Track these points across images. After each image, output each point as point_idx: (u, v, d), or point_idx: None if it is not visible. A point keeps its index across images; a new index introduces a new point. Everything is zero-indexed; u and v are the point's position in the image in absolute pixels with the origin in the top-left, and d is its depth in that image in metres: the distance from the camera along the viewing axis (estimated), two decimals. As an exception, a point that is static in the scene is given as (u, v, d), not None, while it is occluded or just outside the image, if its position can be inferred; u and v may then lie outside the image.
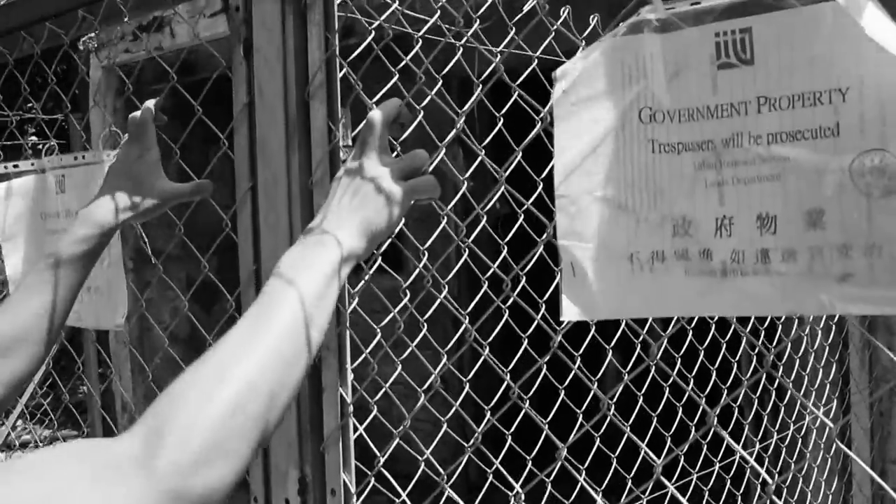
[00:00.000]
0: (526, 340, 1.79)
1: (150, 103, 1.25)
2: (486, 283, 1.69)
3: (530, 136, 1.06)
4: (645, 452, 1.13)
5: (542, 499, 1.95)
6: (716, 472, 2.30)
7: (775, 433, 2.54)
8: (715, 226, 0.81)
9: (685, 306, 0.83)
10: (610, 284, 0.85)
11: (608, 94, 0.84)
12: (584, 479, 1.48)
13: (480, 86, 1.75)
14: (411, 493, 1.45)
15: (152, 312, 4.83)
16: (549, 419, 1.62)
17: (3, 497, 0.62)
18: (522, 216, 1.77)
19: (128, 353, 4.72)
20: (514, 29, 1.77)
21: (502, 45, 1.68)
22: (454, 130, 1.68)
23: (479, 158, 1.69)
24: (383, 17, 1.45)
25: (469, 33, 1.67)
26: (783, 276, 0.79)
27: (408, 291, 1.58)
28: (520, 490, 1.61)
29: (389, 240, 1.05)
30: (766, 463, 2.64)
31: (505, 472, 1.77)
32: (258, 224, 1.31)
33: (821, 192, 0.77)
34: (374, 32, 1.48)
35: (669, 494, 1.20)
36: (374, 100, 1.48)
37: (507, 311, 1.59)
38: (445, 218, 1.64)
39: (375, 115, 0.97)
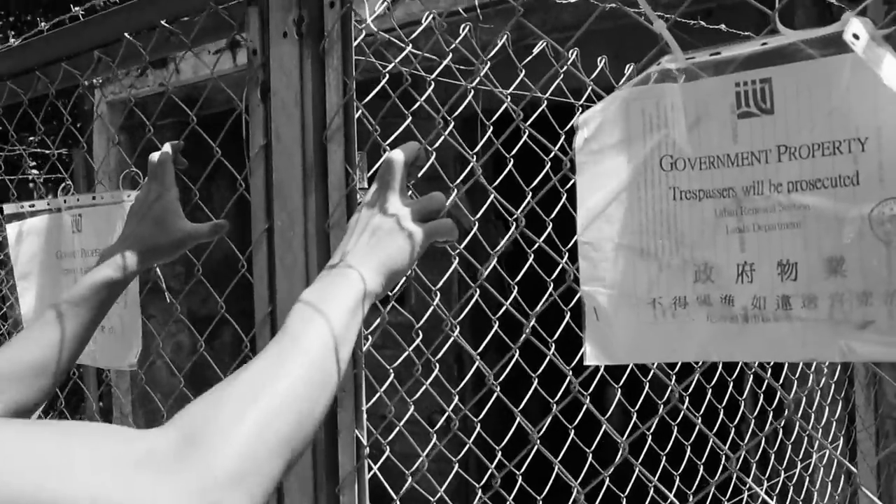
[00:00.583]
0: (536, 379, 1.79)
1: (170, 145, 1.26)
2: (497, 322, 1.70)
3: (552, 180, 1.07)
4: (657, 488, 1.13)
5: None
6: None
7: (782, 471, 2.53)
8: (736, 272, 0.82)
9: (707, 351, 0.84)
10: (633, 329, 0.86)
11: (630, 141, 0.86)
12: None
13: (491, 126, 1.77)
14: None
15: (154, 346, 4.82)
16: (560, 457, 1.62)
17: (26, 446, 0.60)
18: (532, 256, 1.78)
19: (129, 387, 4.71)
20: (523, 71, 1.79)
21: (513, 87, 1.70)
22: (467, 170, 1.69)
23: (490, 199, 1.70)
24: (398, 59, 1.47)
25: (482, 73, 1.69)
26: (804, 322, 0.80)
27: (420, 332, 1.59)
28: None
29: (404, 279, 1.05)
30: (774, 500, 2.62)
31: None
32: (274, 265, 1.32)
33: (841, 239, 0.78)
34: (387, 76, 1.50)
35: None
36: (388, 141, 1.50)
37: (518, 350, 1.60)
38: (457, 258, 1.65)
39: (397, 156, 0.98)
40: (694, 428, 2.18)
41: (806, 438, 2.56)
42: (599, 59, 1.94)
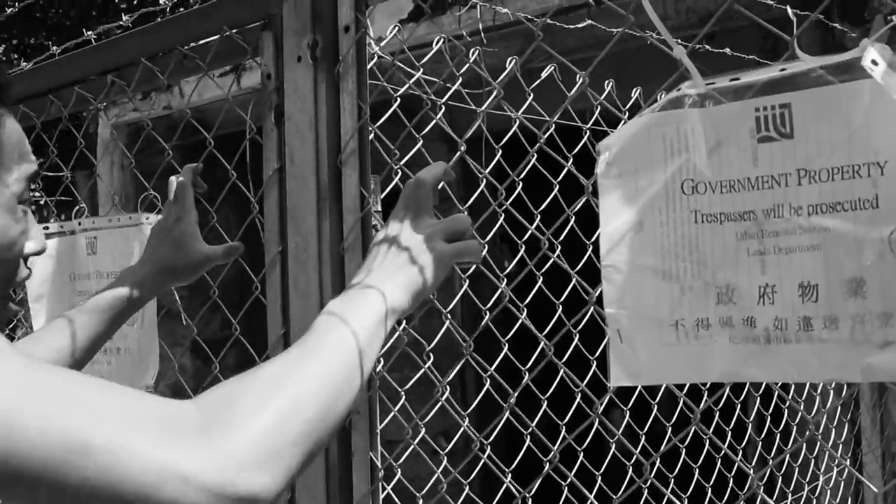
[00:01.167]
0: (545, 402, 1.79)
1: (188, 168, 1.27)
2: (507, 344, 1.71)
3: (575, 203, 1.08)
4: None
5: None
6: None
7: (790, 494, 2.53)
8: (758, 294, 0.83)
9: (729, 373, 0.85)
10: (656, 351, 0.86)
11: (651, 166, 0.87)
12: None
13: (500, 150, 1.78)
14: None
15: (170, 368, 4.82)
16: (568, 480, 1.62)
17: (71, 391, 0.63)
18: (542, 279, 1.79)
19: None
20: (531, 95, 1.81)
21: (521, 110, 1.72)
22: (477, 192, 1.71)
23: (499, 222, 1.72)
24: (410, 82, 1.48)
25: (491, 98, 1.71)
26: (825, 343, 0.81)
27: (430, 354, 1.59)
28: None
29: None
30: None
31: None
32: (287, 287, 1.32)
33: (861, 261, 0.79)
34: (398, 100, 1.52)
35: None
36: (403, 162, 1.51)
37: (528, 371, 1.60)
38: (466, 282, 1.66)
39: (425, 176, 0.98)
40: (699, 450, 2.19)
41: (813, 461, 2.56)
42: (606, 83, 1.96)
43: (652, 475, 1.21)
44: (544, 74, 1.79)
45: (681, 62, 0.88)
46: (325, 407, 0.76)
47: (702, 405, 1.15)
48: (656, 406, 1.98)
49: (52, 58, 1.90)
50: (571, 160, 1.72)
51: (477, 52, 1.59)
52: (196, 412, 0.67)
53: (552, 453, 1.35)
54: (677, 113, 0.86)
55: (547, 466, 1.46)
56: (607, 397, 1.40)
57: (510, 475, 1.69)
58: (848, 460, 2.59)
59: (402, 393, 1.62)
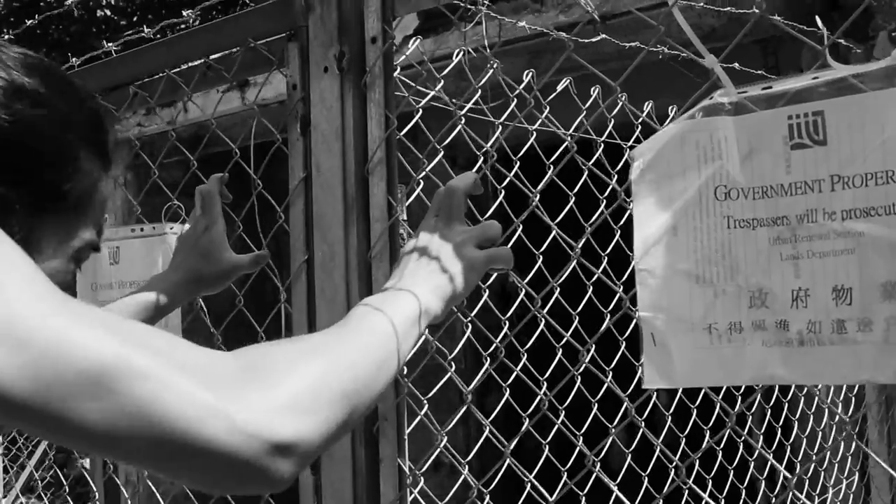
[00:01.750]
0: (526, 420, 1.80)
1: (215, 178, 1.29)
2: (501, 352, 1.71)
3: (596, 213, 1.10)
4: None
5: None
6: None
7: (800, 506, 2.53)
8: (791, 297, 0.85)
9: (763, 375, 0.86)
10: (689, 354, 0.88)
11: (684, 172, 0.89)
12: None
13: (517, 162, 1.80)
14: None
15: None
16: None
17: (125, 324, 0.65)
18: (558, 290, 1.80)
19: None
20: (548, 108, 1.83)
21: (538, 123, 1.74)
22: (496, 204, 1.73)
23: (518, 233, 1.73)
24: (433, 93, 1.50)
25: (508, 111, 1.73)
26: (859, 345, 0.82)
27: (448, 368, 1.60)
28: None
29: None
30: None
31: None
32: (313, 295, 1.34)
33: (895, 265, 0.81)
34: (420, 111, 1.54)
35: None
36: (421, 174, 1.53)
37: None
38: (487, 292, 1.67)
39: (458, 184, 1.00)
40: (712, 459, 2.19)
41: (822, 474, 2.57)
42: (620, 95, 1.99)
43: None
44: (560, 87, 1.82)
45: (712, 71, 0.90)
46: (365, 375, 0.77)
47: (744, 405, 1.16)
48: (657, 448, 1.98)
49: (71, 69, 1.91)
50: (616, 177, 1.71)
51: (496, 65, 1.61)
52: (236, 363, 0.68)
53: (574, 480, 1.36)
54: (711, 121, 0.88)
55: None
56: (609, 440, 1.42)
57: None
58: (857, 473, 2.60)
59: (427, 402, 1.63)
